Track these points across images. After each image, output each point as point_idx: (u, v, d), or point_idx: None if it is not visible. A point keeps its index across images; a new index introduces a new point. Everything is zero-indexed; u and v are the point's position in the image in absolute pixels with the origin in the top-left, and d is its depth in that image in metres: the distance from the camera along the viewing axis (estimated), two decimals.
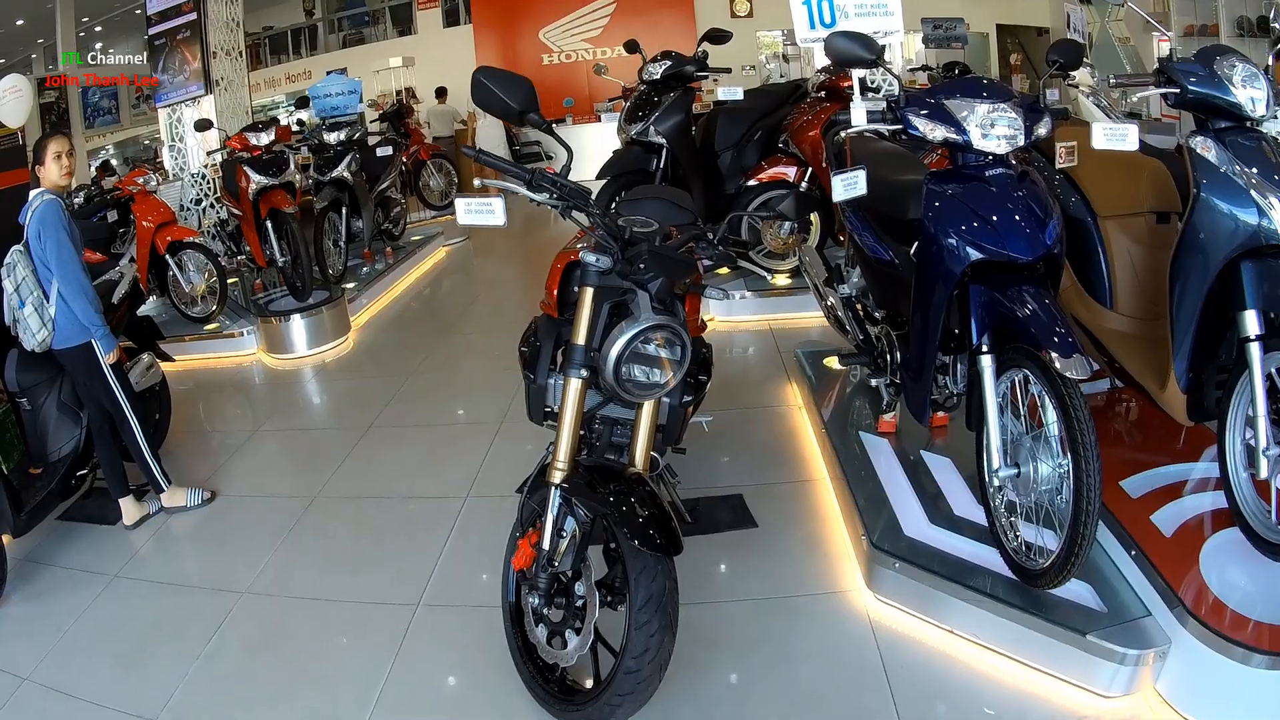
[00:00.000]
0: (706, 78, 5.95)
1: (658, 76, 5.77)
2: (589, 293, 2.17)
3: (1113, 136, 2.63)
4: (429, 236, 8.49)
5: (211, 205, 7.43)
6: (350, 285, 6.78)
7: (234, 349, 6.02)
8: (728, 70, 6.06)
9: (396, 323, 6.59)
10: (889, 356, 3.01)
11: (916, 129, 2.43)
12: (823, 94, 5.53)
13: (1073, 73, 3.41)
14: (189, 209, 7.56)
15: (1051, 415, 2.30)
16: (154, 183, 6.42)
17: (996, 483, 2.48)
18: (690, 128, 5.90)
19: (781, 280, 5.74)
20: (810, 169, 5.37)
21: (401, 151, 8.12)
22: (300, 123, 8.94)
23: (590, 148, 10.74)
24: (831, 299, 3.58)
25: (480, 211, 2.13)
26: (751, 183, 5.59)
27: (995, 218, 2.33)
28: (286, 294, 6.11)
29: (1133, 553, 2.51)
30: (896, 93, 2.60)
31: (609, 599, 2.21)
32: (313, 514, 3.69)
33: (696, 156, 5.92)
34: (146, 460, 3.66)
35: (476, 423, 4.39)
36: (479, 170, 9.51)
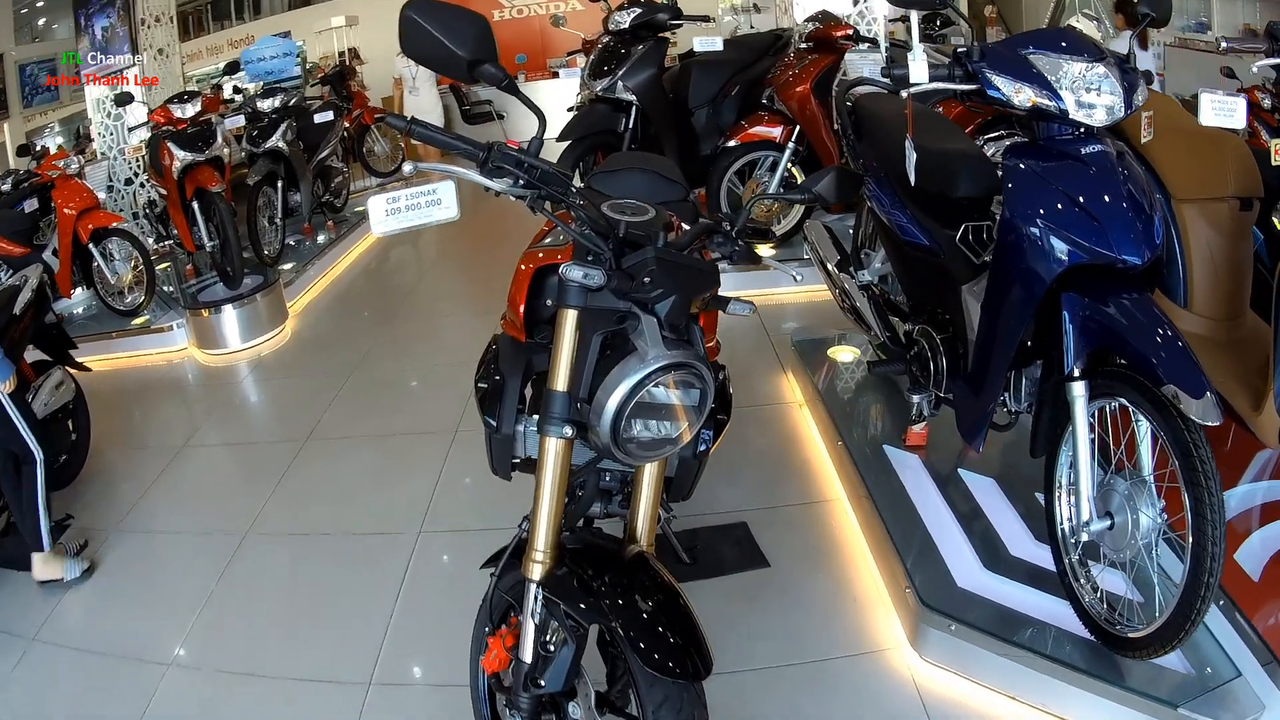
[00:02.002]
0: (681, 26, 5.34)
1: (625, 26, 5.15)
2: (572, 318, 1.57)
3: (1221, 111, 2.13)
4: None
5: (142, 185, 6.72)
6: (288, 266, 6.13)
7: (163, 345, 5.36)
8: (707, 18, 5.46)
9: (338, 307, 5.94)
10: (931, 366, 2.49)
11: (999, 92, 1.89)
12: (810, 44, 4.95)
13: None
14: (120, 190, 6.83)
15: (1147, 455, 1.86)
16: (75, 166, 5.72)
17: (1086, 537, 2.00)
18: (662, 83, 5.31)
19: (765, 251, 5.21)
20: (799, 127, 4.81)
21: (343, 116, 7.41)
22: (237, 90, 8.18)
23: (546, 107, 10.09)
24: (846, 285, 3.05)
25: (414, 208, 1.56)
26: (732, 143, 5.00)
27: (1099, 209, 1.82)
28: (219, 280, 5.47)
29: (1220, 602, 2.09)
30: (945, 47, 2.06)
31: None
32: (243, 557, 3.13)
33: (671, 115, 5.33)
34: (38, 512, 3.03)
35: (426, 432, 3.82)
36: (411, 149, 8.79)
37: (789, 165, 4.90)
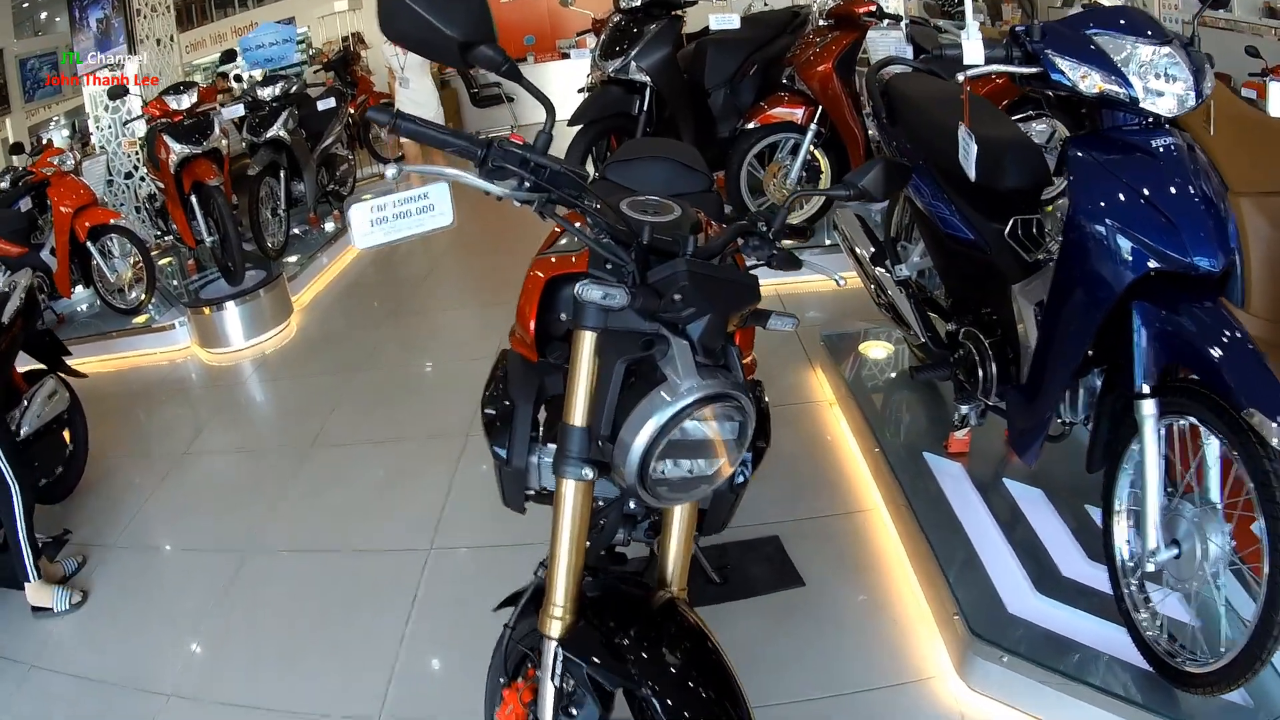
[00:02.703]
0: (695, 3, 5.11)
1: (637, 4, 4.92)
2: (589, 341, 1.38)
3: None
4: (383, 193, 7.57)
5: (143, 179, 6.55)
6: (293, 259, 5.95)
7: (166, 344, 5.21)
8: None
9: (345, 300, 5.77)
10: (980, 372, 2.29)
11: (1063, 76, 1.68)
12: (832, 21, 4.71)
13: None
14: (120, 184, 6.66)
15: (1216, 479, 1.70)
16: (70, 161, 5.56)
17: (1151, 567, 1.81)
18: (677, 63, 5.08)
19: (804, 252, 5.01)
20: (821, 108, 4.58)
21: (347, 102, 7.21)
22: (238, 78, 7.97)
23: (555, 92, 9.81)
24: (882, 279, 2.84)
25: (404, 216, 1.37)
26: (751, 125, 4.78)
27: (1172, 209, 1.63)
28: (221, 275, 5.30)
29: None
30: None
31: None
32: (244, 579, 2.98)
33: (687, 96, 5.11)
34: (20, 543, 2.87)
35: (436, 435, 3.65)
36: (396, 146, 8.31)
37: (811, 148, 4.68)
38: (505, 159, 1.27)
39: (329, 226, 6.71)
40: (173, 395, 4.74)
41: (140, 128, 5.71)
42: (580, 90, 5.63)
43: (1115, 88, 1.65)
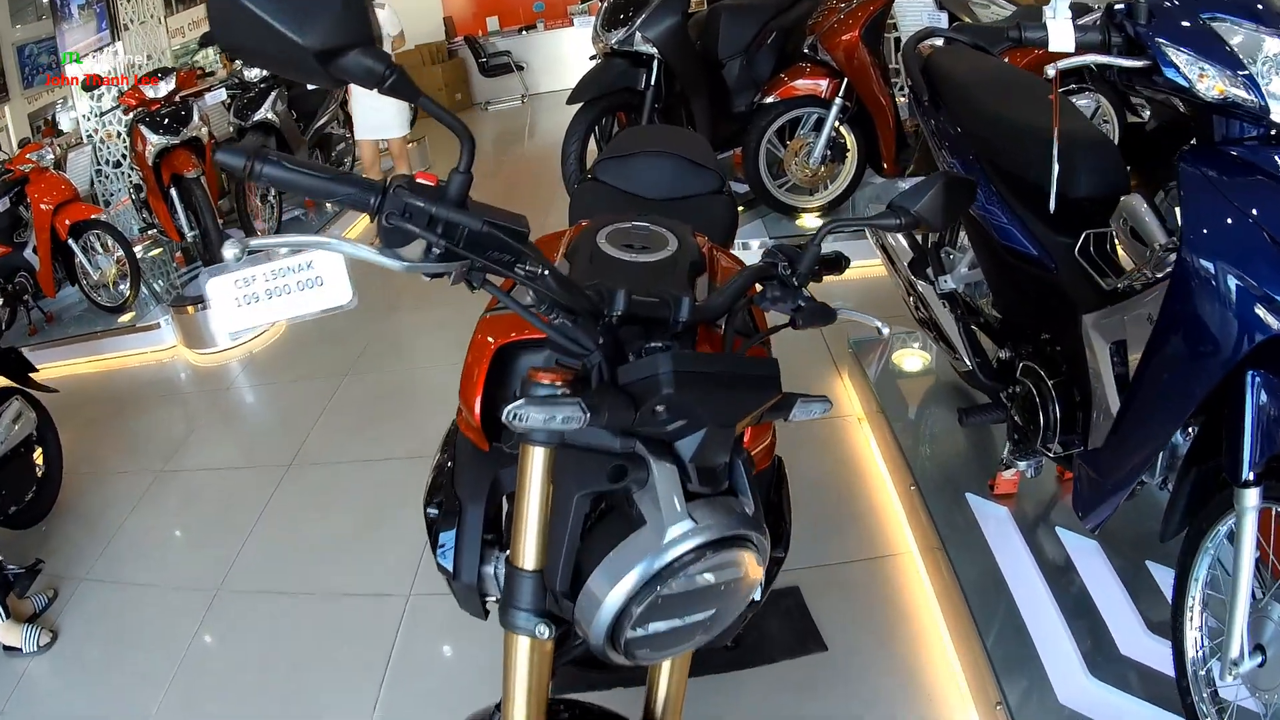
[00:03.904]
0: None
1: None
2: (539, 461, 1.03)
3: None
4: (385, 172, 7.26)
5: (132, 167, 6.27)
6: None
7: (152, 343, 4.96)
8: None
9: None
10: (1041, 417, 1.92)
11: (1177, 73, 1.30)
12: None
13: None
14: (109, 173, 6.38)
15: None
16: (50, 156, 5.28)
17: (1231, 679, 1.47)
18: (687, 32, 4.67)
19: (810, 220, 4.62)
20: (846, 80, 4.17)
21: None
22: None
23: (566, 59, 9.31)
24: (922, 292, 2.46)
25: (279, 293, 1.04)
26: (770, 99, 4.38)
27: None
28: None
29: None
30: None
31: None
32: (212, 621, 2.72)
33: (698, 68, 4.70)
34: None
35: (425, 455, 3.33)
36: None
37: (836, 124, 4.28)
38: (402, 215, 0.90)
39: (330, 208, 6.39)
40: (155, 401, 4.47)
41: (117, 119, 5.43)
42: (592, 58, 5.20)
43: (1242, 93, 1.27)
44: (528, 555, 1.04)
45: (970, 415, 2.20)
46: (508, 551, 1.08)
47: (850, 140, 4.39)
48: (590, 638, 1.01)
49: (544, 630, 1.04)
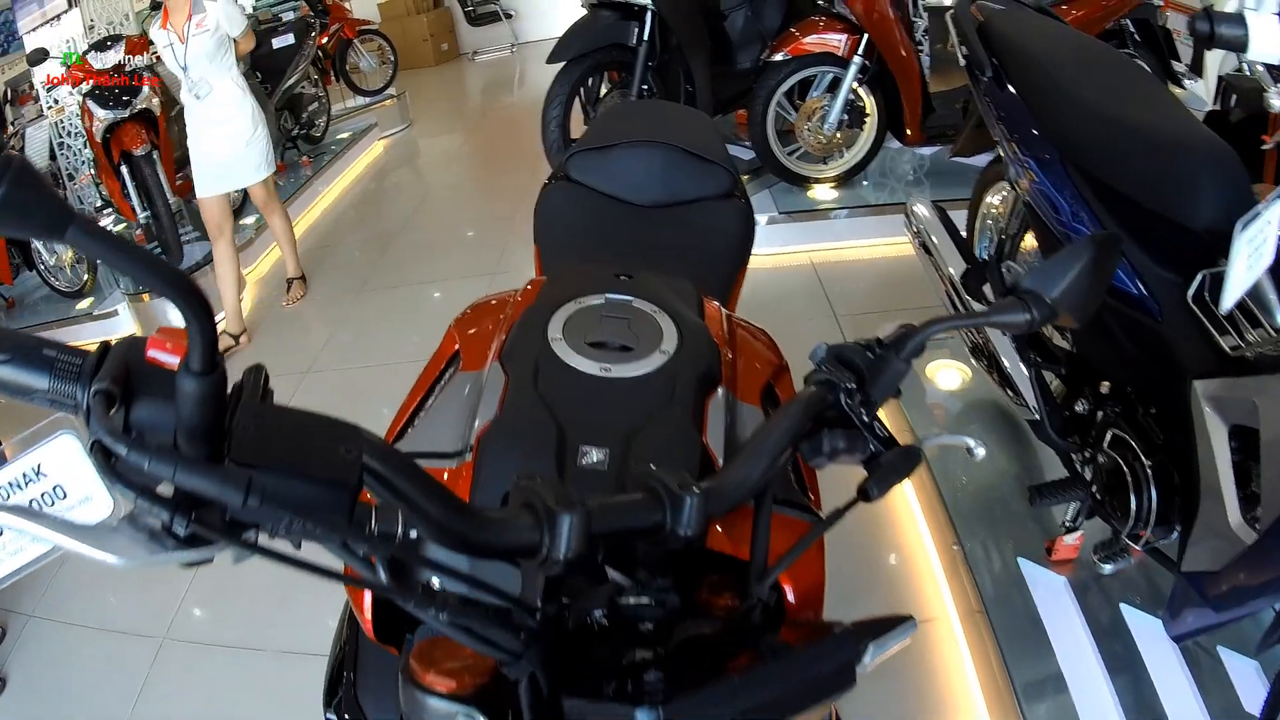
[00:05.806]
0: None
1: None
2: None
3: None
4: (362, 130, 6.78)
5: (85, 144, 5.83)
6: (248, 220, 5.18)
7: (110, 331, 4.57)
8: None
9: (312, 264, 4.94)
10: (1133, 501, 1.52)
11: None
12: None
13: None
14: (72, 146, 5.93)
15: None
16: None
17: None
18: None
19: (826, 193, 4.18)
20: (866, 36, 3.69)
21: (316, 35, 6.32)
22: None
23: (557, 6, 8.70)
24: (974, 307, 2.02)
25: None
26: (779, 56, 3.90)
27: None
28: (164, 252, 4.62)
29: None
30: None
31: None
32: (161, 672, 2.45)
33: (697, 20, 4.20)
34: None
35: None
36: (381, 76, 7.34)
37: (855, 85, 3.81)
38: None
39: (310, 172, 5.96)
40: None
41: (64, 94, 4.97)
42: (585, 4, 4.68)
43: None
44: None
45: (1043, 496, 1.78)
46: None
47: (870, 104, 3.92)
48: None
49: None
